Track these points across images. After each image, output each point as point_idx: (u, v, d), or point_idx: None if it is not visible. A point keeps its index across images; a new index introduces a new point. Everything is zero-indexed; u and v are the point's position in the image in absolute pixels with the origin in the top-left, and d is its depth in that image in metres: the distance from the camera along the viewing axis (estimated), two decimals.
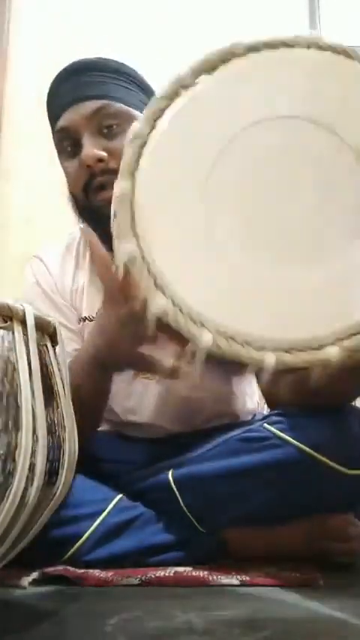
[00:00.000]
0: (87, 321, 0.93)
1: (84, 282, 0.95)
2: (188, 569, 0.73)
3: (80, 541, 0.74)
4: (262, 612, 0.57)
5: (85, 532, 0.75)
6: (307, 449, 0.74)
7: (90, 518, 0.76)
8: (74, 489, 0.75)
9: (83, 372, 0.75)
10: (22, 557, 0.56)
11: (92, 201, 0.87)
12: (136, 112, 0.88)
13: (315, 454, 0.73)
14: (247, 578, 0.68)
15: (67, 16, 1.83)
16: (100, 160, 0.85)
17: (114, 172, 0.81)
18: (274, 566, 0.73)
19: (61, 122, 0.88)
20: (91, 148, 0.85)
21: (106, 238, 0.88)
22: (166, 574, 0.70)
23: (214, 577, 0.69)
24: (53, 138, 0.92)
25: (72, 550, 0.74)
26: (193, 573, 0.71)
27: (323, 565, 0.74)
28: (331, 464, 0.73)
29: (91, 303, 0.93)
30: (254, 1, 1.89)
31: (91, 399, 0.77)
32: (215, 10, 1.87)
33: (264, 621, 0.53)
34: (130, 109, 0.88)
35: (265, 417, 0.81)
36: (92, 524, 0.75)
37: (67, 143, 0.88)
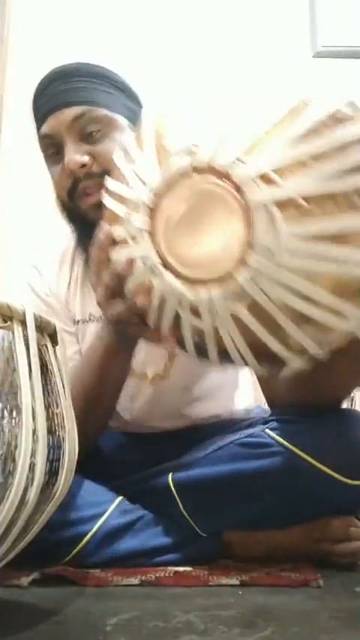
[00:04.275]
0: (80, 323, 0.95)
1: (77, 286, 0.97)
2: (188, 569, 0.73)
3: (81, 543, 0.74)
4: (262, 612, 0.56)
5: (86, 535, 0.75)
6: (309, 458, 0.73)
7: (91, 521, 0.76)
8: (75, 491, 0.76)
9: (98, 365, 0.78)
10: (22, 557, 0.56)
11: (78, 206, 0.88)
12: (118, 117, 0.88)
13: (317, 463, 0.73)
14: (247, 578, 0.68)
15: (68, 15, 1.84)
16: (83, 165, 0.85)
17: (98, 176, 0.85)
18: (274, 566, 0.73)
19: (44, 129, 0.88)
20: (74, 154, 0.85)
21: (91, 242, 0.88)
22: (166, 574, 0.70)
23: (214, 577, 0.69)
24: (39, 143, 0.92)
25: (73, 552, 0.74)
26: (193, 573, 0.71)
27: (323, 565, 0.74)
28: (333, 474, 0.72)
29: (82, 306, 0.95)
30: (254, 1, 1.89)
31: (106, 388, 0.80)
32: (215, 10, 1.87)
33: (264, 621, 0.53)
34: (113, 114, 0.88)
35: (266, 422, 0.80)
36: (93, 527, 0.75)
37: (52, 149, 0.89)
